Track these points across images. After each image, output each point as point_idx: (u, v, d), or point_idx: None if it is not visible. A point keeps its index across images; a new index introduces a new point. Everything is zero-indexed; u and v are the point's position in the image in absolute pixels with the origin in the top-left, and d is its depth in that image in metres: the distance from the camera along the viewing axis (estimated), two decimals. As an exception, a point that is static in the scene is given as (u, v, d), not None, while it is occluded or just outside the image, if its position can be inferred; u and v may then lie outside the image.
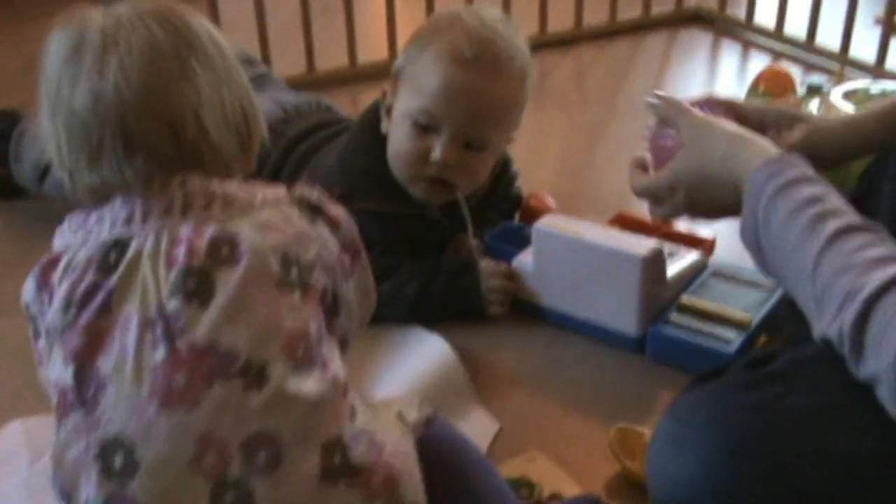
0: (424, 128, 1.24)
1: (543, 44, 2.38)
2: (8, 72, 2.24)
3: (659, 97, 1.01)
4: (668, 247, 1.28)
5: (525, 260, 1.29)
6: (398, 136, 1.27)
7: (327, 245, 0.83)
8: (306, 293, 0.79)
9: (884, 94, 1.66)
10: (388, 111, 1.29)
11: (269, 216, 0.80)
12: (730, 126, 0.93)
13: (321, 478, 0.74)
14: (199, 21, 0.85)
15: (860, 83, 1.74)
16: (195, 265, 0.75)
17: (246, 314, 0.75)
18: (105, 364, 0.74)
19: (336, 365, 0.80)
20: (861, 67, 2.18)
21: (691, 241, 1.36)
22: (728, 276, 1.27)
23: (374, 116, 1.32)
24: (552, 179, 1.67)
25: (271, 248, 0.78)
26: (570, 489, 1.01)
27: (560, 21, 2.43)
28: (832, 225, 0.77)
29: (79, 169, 0.81)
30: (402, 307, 1.25)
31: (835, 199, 0.81)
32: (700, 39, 2.50)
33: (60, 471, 0.77)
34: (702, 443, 0.77)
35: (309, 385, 0.75)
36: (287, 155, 1.39)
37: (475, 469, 0.89)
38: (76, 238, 0.80)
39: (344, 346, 0.86)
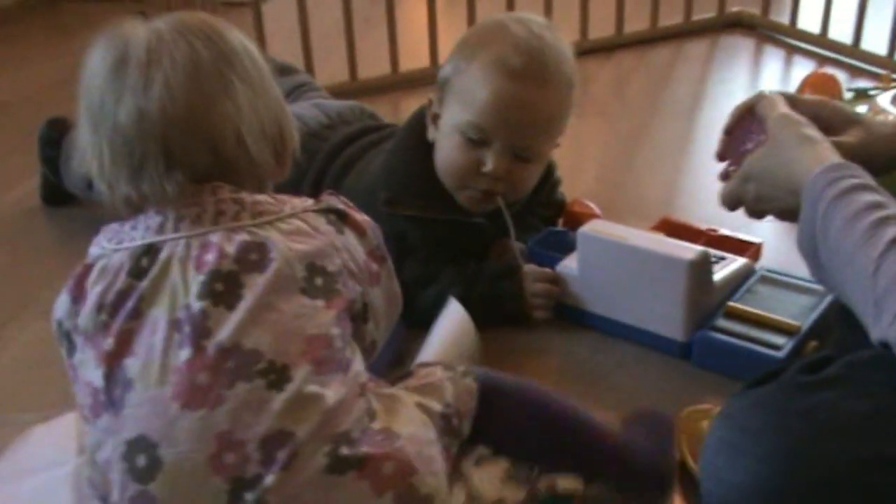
0: (475, 141, 1.23)
1: (584, 51, 2.35)
2: (53, 83, 2.28)
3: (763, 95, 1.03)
4: (714, 252, 1.27)
5: (569, 265, 1.28)
6: (447, 148, 1.26)
7: (354, 253, 0.85)
8: (330, 300, 0.81)
9: (933, 97, 1.64)
10: (435, 119, 1.29)
11: (297, 225, 0.82)
12: (807, 129, 0.94)
13: (329, 470, 0.75)
14: (236, 35, 0.87)
15: (909, 87, 1.72)
16: (224, 269, 0.77)
17: (270, 317, 0.77)
18: (132, 365, 0.76)
19: (357, 368, 0.82)
20: (908, 72, 2.15)
21: (738, 247, 1.34)
22: (776, 281, 1.26)
23: (419, 123, 1.32)
24: (593, 186, 1.67)
25: (298, 256, 0.80)
26: None
27: (601, 28, 2.43)
28: (892, 230, 0.77)
29: (118, 182, 0.82)
30: None
31: (894, 206, 0.81)
32: (742, 45, 2.48)
33: (94, 472, 0.79)
34: (756, 449, 0.76)
35: (329, 388, 0.77)
36: (331, 160, 1.39)
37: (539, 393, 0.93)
38: (110, 245, 0.82)
39: (373, 349, 0.89)
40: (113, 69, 0.82)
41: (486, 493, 0.87)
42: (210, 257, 0.78)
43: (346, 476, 0.75)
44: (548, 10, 2.32)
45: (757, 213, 1.00)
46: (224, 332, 0.75)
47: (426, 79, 2.03)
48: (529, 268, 1.28)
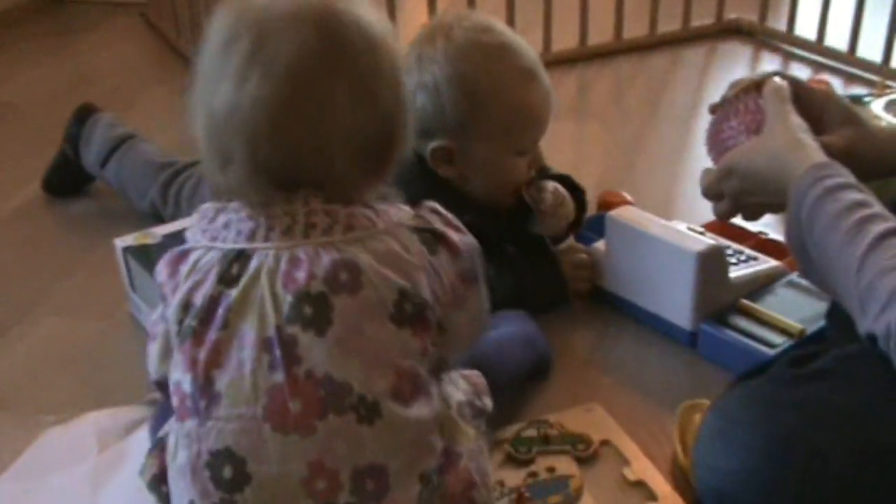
0: (526, 151, 1.28)
1: (583, 57, 2.41)
2: (61, 85, 2.31)
3: (783, 76, 1.02)
4: (747, 253, 1.33)
5: (600, 247, 1.35)
6: (500, 174, 1.28)
7: (443, 276, 0.81)
8: (417, 328, 0.78)
9: (926, 104, 1.67)
10: (450, 160, 1.27)
11: (389, 245, 0.78)
12: (795, 126, 0.94)
13: (419, 499, 0.78)
14: (361, 24, 0.79)
15: (902, 94, 1.75)
16: (314, 290, 0.75)
17: (360, 346, 0.76)
18: (221, 378, 0.76)
19: (437, 392, 0.82)
20: (902, 79, 2.18)
21: (779, 252, 1.35)
22: (800, 286, 1.28)
23: (413, 153, 1.26)
24: (591, 192, 1.68)
25: (389, 281, 0.77)
26: (622, 440, 1.07)
27: (599, 34, 2.46)
28: (877, 228, 0.79)
29: (211, 162, 0.80)
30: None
31: (877, 205, 0.83)
32: (740, 52, 2.51)
33: (173, 470, 0.79)
34: (746, 438, 0.79)
35: (414, 417, 0.77)
36: None
37: None
38: (204, 238, 0.80)
39: (444, 367, 0.86)
40: (221, 47, 0.78)
41: None
42: (299, 275, 0.75)
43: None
44: (547, 16, 2.34)
45: (734, 210, 1.00)
46: (315, 360, 0.75)
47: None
48: (569, 244, 1.35)
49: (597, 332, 1.32)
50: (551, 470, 1.03)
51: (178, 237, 0.99)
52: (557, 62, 2.26)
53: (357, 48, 0.78)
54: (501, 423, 1.08)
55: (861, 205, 0.82)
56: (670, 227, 1.28)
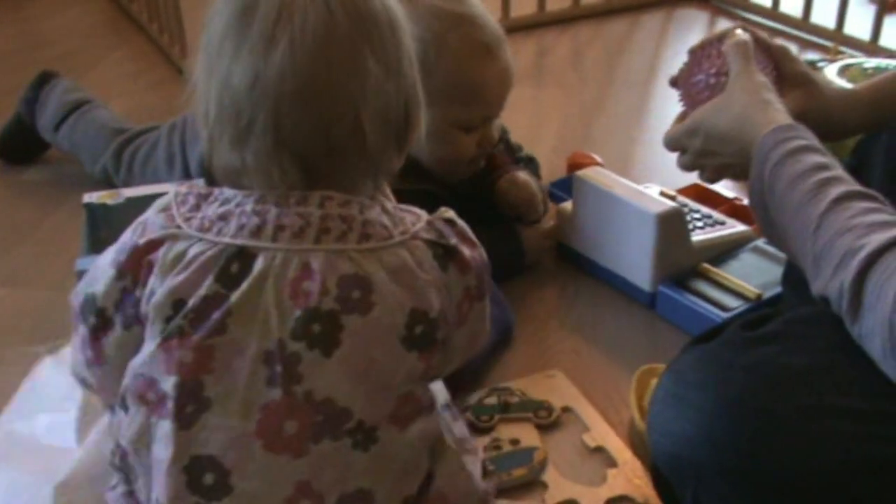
0: (473, 127, 1.25)
1: (541, 23, 2.40)
2: (8, 52, 2.25)
3: (746, 30, 1.01)
4: (715, 217, 1.34)
5: (567, 207, 1.36)
6: (444, 145, 1.25)
7: (452, 294, 0.77)
8: (423, 352, 0.75)
9: (878, 69, 1.69)
10: None
11: (404, 259, 0.74)
12: (759, 84, 0.94)
13: None
14: (384, 1, 0.77)
15: (855, 59, 1.77)
16: (324, 308, 0.71)
17: (366, 371, 0.72)
18: (211, 386, 0.71)
19: (433, 411, 0.78)
20: (855, 45, 2.20)
21: (751, 218, 1.33)
22: (766, 252, 1.30)
23: None
24: (551, 156, 1.70)
25: (401, 301, 0.73)
26: (582, 406, 1.09)
27: (558, 1, 2.45)
28: (835, 190, 0.80)
29: (221, 141, 0.75)
30: None
31: (838, 168, 0.84)
32: (696, 18, 2.52)
33: (130, 451, 0.75)
34: (699, 400, 0.80)
35: (409, 441, 0.74)
36: None
37: None
38: (189, 227, 0.73)
39: (434, 379, 0.82)
40: (238, 15, 0.73)
41: None
42: (309, 287, 0.71)
43: None
44: (506, -19, 2.33)
45: (695, 166, 1.00)
46: (317, 382, 0.71)
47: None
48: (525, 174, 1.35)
49: (559, 293, 1.33)
50: (515, 442, 1.03)
51: (142, 202, 0.94)
52: (516, 28, 2.25)
53: (381, 20, 0.76)
54: (465, 391, 1.09)
55: (822, 167, 0.82)
56: (635, 188, 1.29)
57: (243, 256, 0.72)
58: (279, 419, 0.71)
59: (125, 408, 0.75)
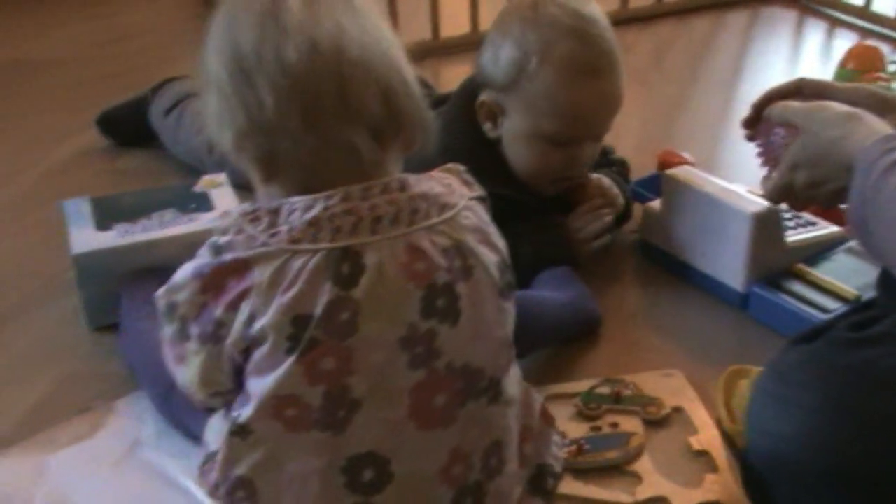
0: (562, 143, 1.23)
1: (623, 20, 2.37)
2: (92, 43, 2.31)
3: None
4: (806, 218, 1.31)
5: (656, 205, 1.34)
6: (528, 153, 1.24)
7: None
8: (510, 297, 0.81)
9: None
10: (493, 118, 1.26)
11: (473, 220, 0.78)
12: (841, 106, 0.92)
13: (520, 465, 0.83)
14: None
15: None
16: (441, 282, 0.74)
17: (485, 330, 0.77)
18: (358, 385, 0.72)
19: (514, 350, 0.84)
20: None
21: (839, 219, 1.32)
22: (861, 254, 1.25)
23: (466, 100, 1.28)
24: (633, 155, 1.66)
25: (489, 258, 0.78)
26: (695, 408, 1.05)
27: (640, -3, 2.42)
28: None
29: (288, 133, 0.74)
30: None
31: None
32: (783, 17, 2.46)
33: (255, 476, 0.75)
34: (803, 401, 0.78)
35: (516, 382, 0.82)
36: None
37: None
38: (276, 242, 0.72)
39: None
40: (265, 15, 0.75)
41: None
42: (421, 267, 0.73)
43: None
44: (588, -22, 2.31)
45: (807, 200, 0.96)
46: (453, 352, 0.75)
47: (467, 46, 2.03)
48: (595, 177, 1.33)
49: (642, 292, 1.31)
50: (614, 426, 1.02)
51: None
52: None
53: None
54: (558, 379, 1.10)
55: None
56: (727, 187, 1.26)
57: (350, 256, 0.72)
58: (429, 396, 0.74)
59: (243, 434, 0.75)
